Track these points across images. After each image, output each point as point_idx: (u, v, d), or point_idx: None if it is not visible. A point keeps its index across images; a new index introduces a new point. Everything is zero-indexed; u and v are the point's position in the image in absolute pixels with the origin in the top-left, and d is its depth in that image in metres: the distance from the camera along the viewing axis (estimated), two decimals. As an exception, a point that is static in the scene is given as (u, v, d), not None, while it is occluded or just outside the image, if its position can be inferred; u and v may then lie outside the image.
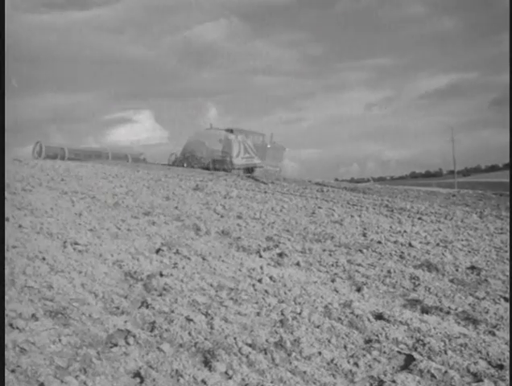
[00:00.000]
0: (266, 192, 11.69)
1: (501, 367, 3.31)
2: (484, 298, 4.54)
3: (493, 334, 3.79)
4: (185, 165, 23.75)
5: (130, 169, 16.13)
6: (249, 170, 23.35)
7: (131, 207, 8.57)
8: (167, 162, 26.00)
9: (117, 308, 4.22)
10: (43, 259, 5.24)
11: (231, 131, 24.35)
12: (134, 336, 3.67)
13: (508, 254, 6.02)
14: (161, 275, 5.01)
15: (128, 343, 3.57)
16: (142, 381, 3.14)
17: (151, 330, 3.80)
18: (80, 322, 3.90)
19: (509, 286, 4.87)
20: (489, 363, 3.37)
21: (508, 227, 7.82)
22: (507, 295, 4.61)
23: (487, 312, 4.19)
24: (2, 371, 3.11)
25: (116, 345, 3.55)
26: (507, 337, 3.74)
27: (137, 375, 3.20)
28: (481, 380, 3.15)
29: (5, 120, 4.23)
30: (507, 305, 4.39)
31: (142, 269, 5.17)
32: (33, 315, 3.87)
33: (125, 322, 3.94)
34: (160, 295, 4.53)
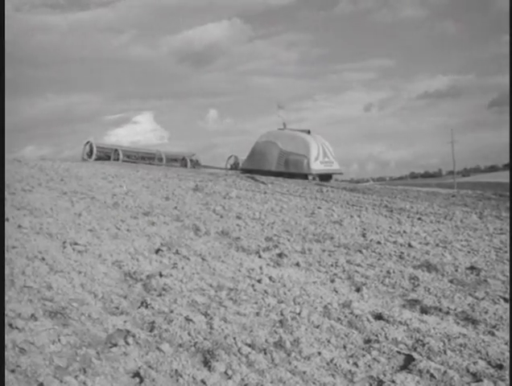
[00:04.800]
0: (265, 192, 11.69)
1: (500, 367, 3.31)
2: (483, 299, 4.54)
3: (493, 334, 3.79)
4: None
5: (130, 169, 16.12)
6: (327, 178, 19.40)
7: (131, 208, 8.57)
8: (225, 165, 23.54)
9: (117, 308, 4.23)
10: (43, 259, 5.24)
11: (308, 132, 20.58)
12: (134, 336, 3.67)
13: (507, 254, 6.03)
14: (160, 275, 5.01)
15: (127, 343, 3.58)
16: (141, 381, 3.14)
17: (151, 330, 3.81)
18: (79, 322, 3.90)
19: (508, 286, 4.87)
20: (489, 363, 3.38)
21: (507, 227, 7.82)
22: (506, 295, 4.61)
23: (486, 312, 4.19)
24: (2, 371, 3.11)
25: (115, 345, 3.55)
26: (506, 337, 3.74)
27: (136, 375, 3.20)
28: (480, 380, 3.15)
29: (5, 120, 4.23)
30: (506, 305, 4.39)
31: (141, 269, 5.18)
32: (32, 315, 3.87)
33: (125, 322, 3.94)
34: (160, 295, 4.53)
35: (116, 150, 22.15)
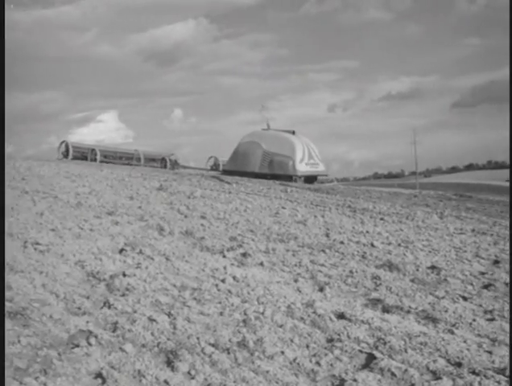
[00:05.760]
0: (230, 192, 11.69)
1: (459, 364, 3.37)
2: (443, 297, 4.62)
3: (452, 333, 3.86)
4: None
5: (94, 168, 15.94)
6: (312, 179, 19.05)
7: (94, 207, 8.49)
8: (205, 166, 23.16)
9: (79, 308, 4.18)
10: (3, 259, 5.16)
11: (293, 133, 20.01)
12: (96, 337, 3.64)
13: (467, 254, 6.15)
14: (124, 275, 4.98)
15: (90, 344, 3.54)
16: (103, 382, 3.11)
17: (114, 331, 3.78)
18: (40, 322, 3.85)
19: (467, 285, 4.97)
20: (448, 361, 3.44)
21: (467, 227, 7.98)
22: (466, 294, 4.71)
23: (446, 311, 4.27)
24: (2, 369, 3.07)
25: (77, 346, 3.52)
26: (466, 335, 3.82)
27: (98, 375, 3.18)
28: (439, 378, 3.21)
29: (4, 119, 4.15)
30: (466, 304, 4.48)
31: (104, 269, 5.13)
32: (-8, 316, 3.81)
33: (87, 322, 3.91)
34: (123, 295, 4.50)
35: (93, 150, 21.61)
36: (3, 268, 4.66)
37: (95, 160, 20.98)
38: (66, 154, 21.19)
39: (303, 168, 18.87)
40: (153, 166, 22.15)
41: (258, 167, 19.21)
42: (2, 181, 4.52)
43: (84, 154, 21.59)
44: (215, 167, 23.08)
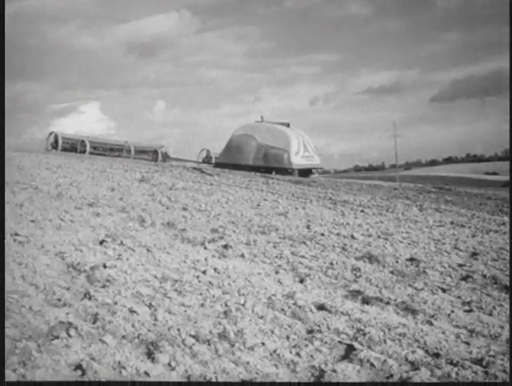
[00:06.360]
0: (211, 184, 11.68)
1: (437, 355, 3.41)
2: (422, 289, 4.67)
3: (431, 324, 3.91)
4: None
5: (75, 159, 15.82)
6: (306, 173, 18.78)
7: (75, 198, 8.44)
8: (197, 158, 22.62)
9: (59, 300, 4.16)
10: (-18, 250, 5.11)
11: (287, 125, 19.78)
12: (76, 328, 3.62)
13: (445, 246, 6.21)
14: (104, 267, 4.96)
15: (70, 335, 3.53)
16: (83, 373, 3.10)
17: (94, 322, 3.77)
18: (19, 314, 3.83)
19: (446, 277, 5.03)
20: (427, 351, 3.48)
21: (446, 219, 8.06)
22: (444, 286, 4.76)
23: (425, 302, 4.32)
24: (2, 370, 3.04)
25: (57, 337, 3.50)
26: (444, 326, 3.86)
27: (78, 367, 3.17)
28: (418, 369, 3.24)
29: (4, 119, 4.09)
30: (444, 295, 4.53)
31: (85, 261, 5.11)
32: (-30, 308, 3.78)
33: (67, 314, 3.89)
34: (103, 287, 4.48)
35: (83, 142, 21.27)
36: (3, 267, 4.62)
37: (84, 152, 20.68)
38: (55, 146, 20.90)
39: (298, 161, 18.70)
40: (143, 158, 21.80)
41: (252, 160, 18.99)
42: (2, 178, 4.48)
43: (73, 146, 21.28)
44: (207, 160, 22.64)
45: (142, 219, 7.11)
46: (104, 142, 22.57)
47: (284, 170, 17.92)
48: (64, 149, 20.75)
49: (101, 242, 5.85)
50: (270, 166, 18.32)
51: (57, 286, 4.42)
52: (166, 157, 22.71)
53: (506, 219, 8.32)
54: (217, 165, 19.62)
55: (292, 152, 18.61)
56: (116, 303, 4.09)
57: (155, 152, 22.74)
